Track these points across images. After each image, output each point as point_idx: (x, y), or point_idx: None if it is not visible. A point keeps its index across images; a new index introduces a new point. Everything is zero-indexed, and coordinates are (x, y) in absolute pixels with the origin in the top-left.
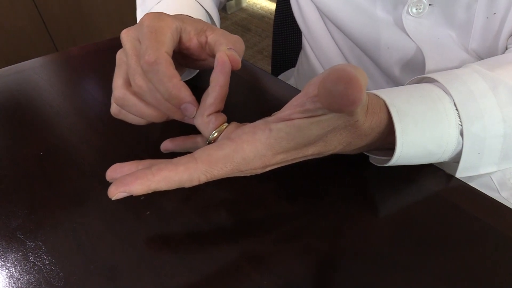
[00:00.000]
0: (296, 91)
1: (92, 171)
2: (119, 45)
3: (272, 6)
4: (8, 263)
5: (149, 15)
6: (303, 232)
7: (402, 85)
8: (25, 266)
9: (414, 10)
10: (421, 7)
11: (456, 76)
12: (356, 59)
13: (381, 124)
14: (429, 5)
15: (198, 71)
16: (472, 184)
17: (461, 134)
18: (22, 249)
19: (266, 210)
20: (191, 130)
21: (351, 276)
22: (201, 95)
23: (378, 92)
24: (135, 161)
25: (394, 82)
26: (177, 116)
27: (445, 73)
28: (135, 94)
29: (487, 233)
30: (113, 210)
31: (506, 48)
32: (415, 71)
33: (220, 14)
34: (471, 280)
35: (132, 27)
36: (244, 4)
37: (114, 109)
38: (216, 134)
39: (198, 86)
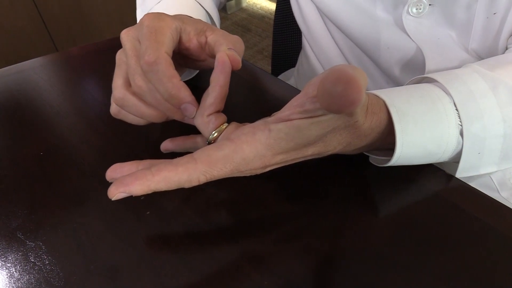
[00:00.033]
0: (296, 91)
1: (92, 171)
2: (119, 45)
3: (272, 6)
4: (8, 263)
5: (149, 15)
6: (303, 232)
7: (402, 85)
8: (25, 266)
9: (414, 10)
10: (421, 7)
11: (456, 76)
12: (356, 59)
13: (381, 124)
14: (429, 5)
15: (198, 71)
16: (472, 184)
17: (461, 134)
18: (22, 249)
19: (266, 210)
20: (191, 130)
21: (351, 276)
22: (201, 95)
23: (378, 92)
24: (135, 161)
25: (394, 82)
26: (177, 116)
27: (445, 73)
28: (135, 94)
29: (487, 233)
30: (113, 210)
31: (506, 48)
32: (415, 71)
33: (220, 14)
34: (471, 280)
35: (132, 27)
36: (244, 4)
37: (113, 109)
38: (216, 134)
39: (198, 86)
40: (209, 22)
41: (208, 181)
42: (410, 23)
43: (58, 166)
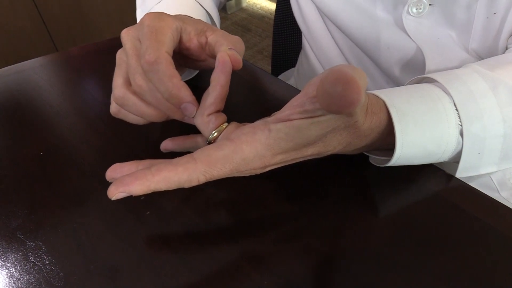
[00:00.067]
0: (296, 91)
1: (92, 171)
2: (119, 45)
3: (272, 6)
4: (8, 263)
5: (150, 14)
6: (303, 232)
7: (402, 85)
8: (25, 266)
9: (414, 10)
10: (421, 7)
11: (456, 76)
12: (356, 59)
13: (380, 125)
14: (429, 5)
15: (198, 71)
16: (472, 184)
17: (461, 134)
18: (22, 249)
19: (266, 210)
20: (191, 130)
21: (351, 276)
22: (201, 95)
23: (377, 92)
24: (135, 161)
25: (394, 82)
26: (177, 116)
27: (445, 73)
28: (135, 93)
29: (487, 233)
30: (113, 210)
31: (506, 48)
32: (415, 71)
33: (220, 14)
34: (471, 280)
35: (132, 26)
36: (244, 4)
37: (113, 108)
38: (216, 134)
39: (198, 86)
40: (209, 22)
41: (208, 181)
42: (410, 23)
43: (58, 166)
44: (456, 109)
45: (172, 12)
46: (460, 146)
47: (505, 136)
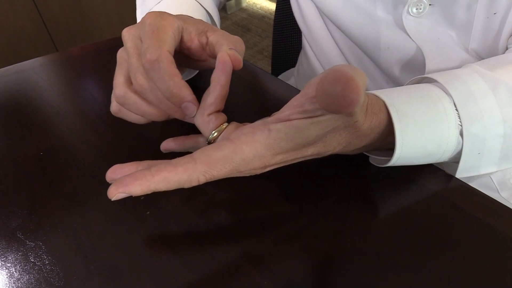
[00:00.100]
0: (296, 91)
1: (92, 171)
2: (119, 45)
3: (272, 6)
4: (8, 263)
5: (151, 14)
6: (303, 232)
7: (402, 85)
8: (25, 266)
9: (414, 10)
10: (421, 7)
11: (456, 76)
12: (356, 59)
13: (380, 125)
14: (429, 5)
15: (198, 71)
16: (472, 184)
17: (461, 134)
18: (22, 249)
19: (266, 210)
20: (191, 130)
21: (351, 276)
22: (201, 95)
23: (377, 92)
24: (135, 162)
25: (394, 82)
26: (177, 115)
27: (445, 73)
28: (136, 92)
29: (487, 233)
30: (113, 210)
31: (506, 48)
32: (415, 71)
33: (220, 14)
34: (471, 280)
35: (133, 25)
36: (244, 4)
37: (114, 107)
38: (216, 133)
39: (198, 86)
40: (209, 22)
41: (208, 181)
42: (410, 23)
43: (58, 166)
44: (456, 109)
45: (172, 12)
46: (460, 146)
47: (505, 136)
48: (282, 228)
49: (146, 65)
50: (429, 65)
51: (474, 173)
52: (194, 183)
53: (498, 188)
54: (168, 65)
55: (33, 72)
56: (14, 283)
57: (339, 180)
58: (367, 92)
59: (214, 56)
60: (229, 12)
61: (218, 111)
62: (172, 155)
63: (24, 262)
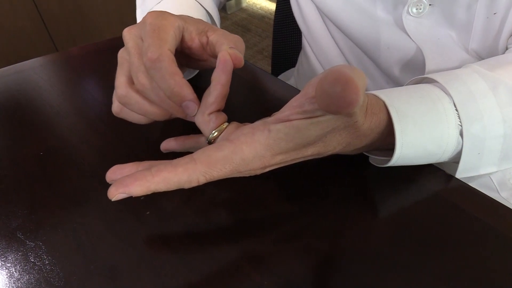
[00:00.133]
0: (296, 91)
1: (92, 171)
2: (119, 45)
3: (272, 6)
4: (8, 263)
5: (152, 13)
6: (303, 232)
7: (402, 85)
8: (25, 266)
9: (414, 10)
10: (421, 7)
11: (456, 76)
12: (356, 59)
13: (380, 125)
14: (429, 5)
15: (198, 71)
16: (472, 184)
17: (461, 134)
18: (22, 249)
19: (266, 210)
20: (191, 130)
21: (351, 276)
22: (201, 95)
23: (377, 92)
24: (135, 163)
25: (394, 82)
26: (179, 114)
27: (445, 74)
28: (138, 92)
29: (487, 233)
30: (113, 210)
31: (506, 48)
32: (415, 71)
33: (220, 14)
34: (471, 280)
35: (134, 25)
36: (244, 4)
37: (115, 107)
38: (216, 133)
39: (198, 86)
40: (210, 22)
41: (208, 181)
42: (410, 23)
43: (58, 166)
44: (456, 110)
45: (172, 12)
46: (460, 147)
47: (505, 136)
48: (282, 228)
49: (147, 64)
50: (429, 65)
51: (474, 173)
52: (194, 183)
53: (498, 188)
54: (169, 64)
55: (33, 72)
56: (14, 283)
57: (339, 180)
58: (367, 92)
59: (214, 56)
60: (229, 12)
61: (218, 111)
62: (172, 155)
63: (24, 262)
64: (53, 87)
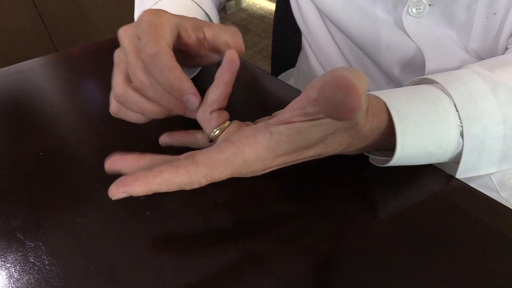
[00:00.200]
0: (296, 91)
1: (92, 171)
2: (119, 45)
3: (272, 6)
4: (8, 263)
5: (148, 11)
6: (303, 232)
7: (402, 85)
8: (25, 266)
9: (414, 10)
10: (421, 7)
11: (456, 77)
12: (356, 59)
13: (381, 126)
14: (429, 5)
15: (197, 71)
16: (472, 184)
17: (461, 135)
18: (22, 249)
19: (266, 210)
20: (190, 129)
21: (351, 276)
22: (202, 95)
23: (378, 93)
24: (136, 155)
25: (394, 82)
26: (179, 110)
27: (445, 74)
28: (136, 90)
29: (487, 233)
30: (113, 210)
31: (506, 48)
32: (415, 71)
33: (219, 14)
34: (471, 280)
35: (130, 24)
36: (243, 5)
37: (113, 107)
38: (217, 132)
39: (198, 86)
40: None
41: (209, 183)
42: (410, 23)
43: (58, 166)
44: (457, 110)
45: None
46: (460, 147)
47: (505, 137)
48: (282, 228)
49: (146, 59)
50: (429, 65)
51: (474, 173)
52: (196, 185)
53: (498, 189)
54: (168, 58)
55: (33, 72)
56: (13, 283)
57: (339, 180)
58: (368, 93)
59: (213, 50)
60: (228, 13)
61: (220, 109)
62: (172, 151)
63: (23, 263)
64: (53, 87)
